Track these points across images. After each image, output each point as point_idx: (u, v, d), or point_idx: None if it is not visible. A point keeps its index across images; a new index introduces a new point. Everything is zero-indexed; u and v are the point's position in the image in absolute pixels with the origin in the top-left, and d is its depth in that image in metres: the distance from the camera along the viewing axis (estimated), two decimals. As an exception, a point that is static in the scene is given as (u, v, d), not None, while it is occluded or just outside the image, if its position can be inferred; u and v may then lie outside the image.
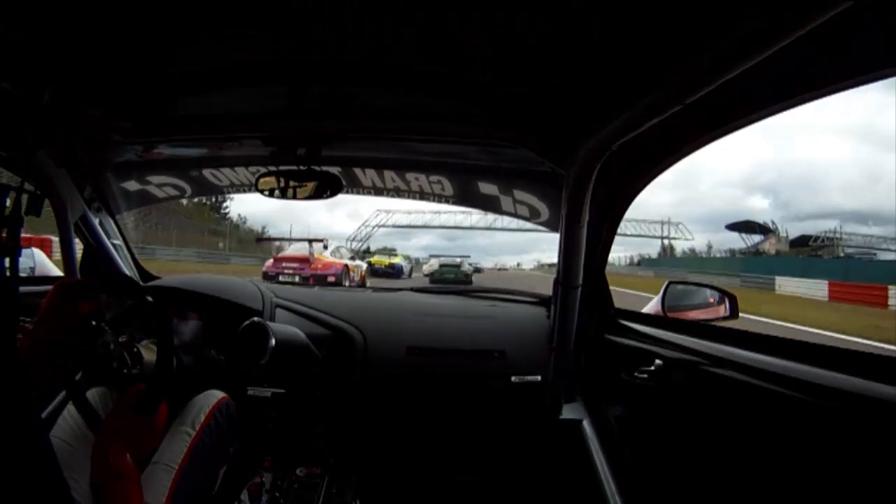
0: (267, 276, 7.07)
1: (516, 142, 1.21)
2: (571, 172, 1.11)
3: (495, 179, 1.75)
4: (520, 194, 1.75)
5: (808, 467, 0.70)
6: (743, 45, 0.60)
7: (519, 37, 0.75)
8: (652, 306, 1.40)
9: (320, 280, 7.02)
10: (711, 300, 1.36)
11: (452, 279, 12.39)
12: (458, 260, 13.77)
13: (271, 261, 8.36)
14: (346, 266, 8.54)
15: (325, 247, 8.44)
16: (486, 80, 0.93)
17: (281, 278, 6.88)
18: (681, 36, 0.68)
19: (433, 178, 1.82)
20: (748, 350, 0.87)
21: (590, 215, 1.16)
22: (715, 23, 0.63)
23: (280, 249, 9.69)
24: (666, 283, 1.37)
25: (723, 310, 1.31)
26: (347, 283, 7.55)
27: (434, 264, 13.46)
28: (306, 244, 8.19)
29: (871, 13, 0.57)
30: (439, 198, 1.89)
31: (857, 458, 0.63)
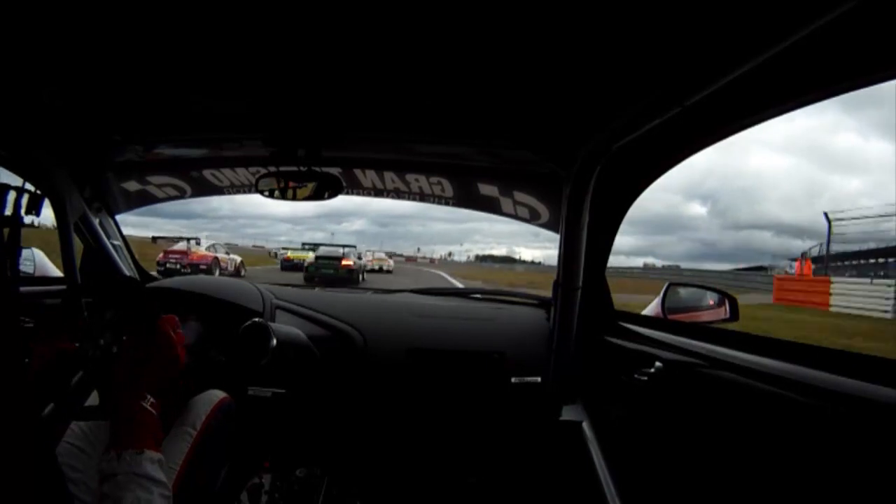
0: (159, 264, 9.16)
1: (517, 143, 1.21)
2: (572, 174, 1.11)
3: (495, 181, 1.75)
4: (520, 196, 1.75)
5: (808, 469, 0.70)
6: (742, 48, 0.60)
7: (519, 39, 0.75)
8: (652, 308, 1.40)
9: (195, 267, 9.41)
10: (711, 302, 1.36)
11: (332, 276, 10.58)
12: (341, 251, 11.56)
13: (162, 253, 10.37)
14: (216, 258, 10.69)
15: (198, 243, 10.86)
16: (486, 81, 0.93)
17: (168, 265, 9.25)
18: (681, 38, 0.68)
19: (433, 179, 1.82)
20: (748, 352, 0.86)
21: (590, 217, 1.16)
22: (715, 25, 0.63)
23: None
24: (666, 284, 1.37)
25: (723, 312, 1.31)
26: (218, 273, 9.74)
27: (311, 257, 11.52)
28: (185, 242, 10.87)
29: (871, 16, 0.57)
30: (439, 199, 1.89)
31: (856, 459, 0.63)
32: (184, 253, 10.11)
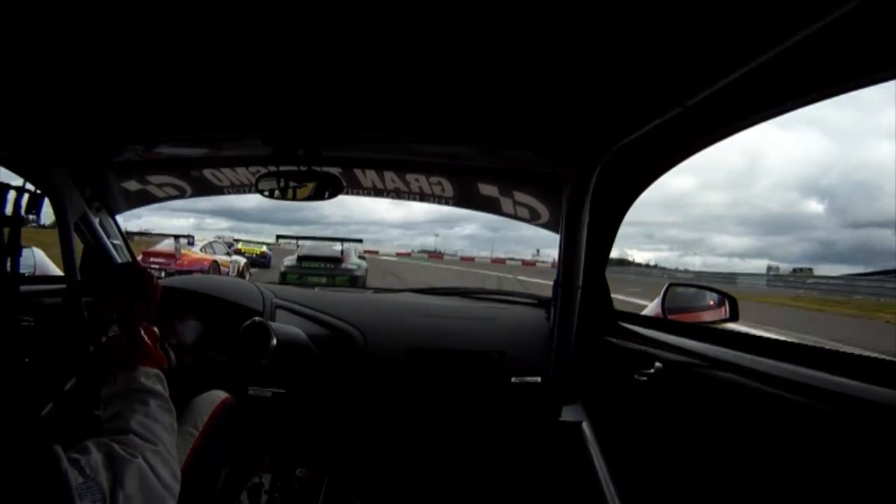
0: None
1: (517, 143, 1.21)
2: (572, 174, 1.11)
3: (496, 181, 1.75)
4: (520, 196, 1.75)
5: (807, 469, 0.70)
6: (743, 48, 0.60)
7: (519, 39, 0.75)
8: (652, 308, 1.40)
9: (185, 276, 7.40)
10: (711, 303, 1.36)
11: (326, 286, 6.24)
12: (339, 249, 8.06)
13: (140, 255, 7.55)
14: (216, 262, 8.36)
15: (191, 243, 8.46)
16: (486, 81, 0.93)
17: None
18: (681, 38, 0.68)
19: (433, 179, 1.82)
20: (748, 353, 0.86)
21: (590, 217, 1.16)
22: (715, 25, 0.63)
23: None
24: (666, 285, 1.37)
25: (723, 312, 1.31)
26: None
27: (291, 259, 8.20)
28: (173, 240, 8.22)
29: (871, 16, 0.57)
30: (439, 199, 1.89)
31: (856, 460, 0.63)
32: (169, 256, 7.86)
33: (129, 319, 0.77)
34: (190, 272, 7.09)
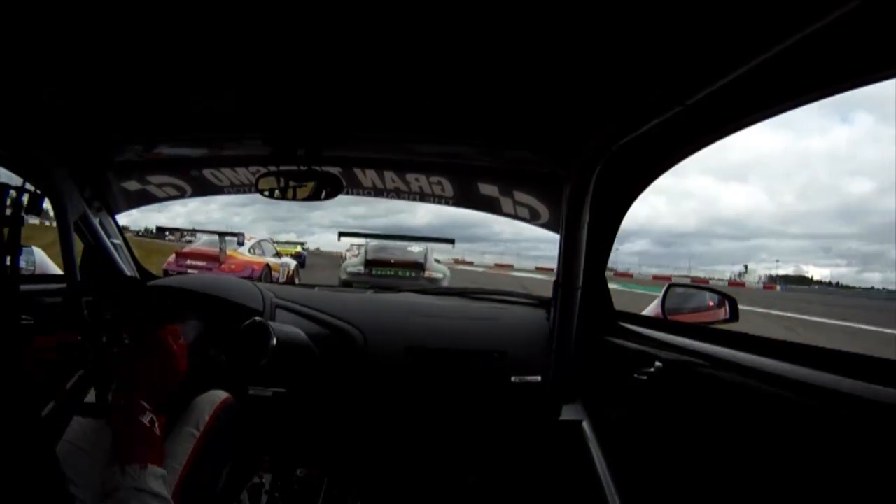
0: (167, 273, 5.29)
1: (517, 143, 1.21)
2: (572, 173, 1.11)
3: (496, 180, 1.75)
4: (520, 195, 1.75)
5: (807, 469, 0.70)
6: (743, 47, 0.60)
7: (519, 38, 0.75)
8: (652, 309, 1.40)
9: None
10: (711, 303, 1.36)
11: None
12: (416, 251, 6.70)
13: (173, 256, 6.81)
14: (268, 266, 7.04)
15: (241, 243, 7.08)
16: (486, 81, 0.93)
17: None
18: (682, 38, 0.68)
19: (433, 178, 1.82)
20: (748, 352, 0.87)
21: (590, 217, 1.16)
22: (715, 25, 0.63)
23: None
24: (666, 285, 1.37)
25: (723, 313, 1.31)
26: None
27: (355, 263, 6.63)
28: (217, 238, 6.81)
29: (871, 16, 0.57)
30: (439, 199, 1.89)
31: (857, 460, 0.63)
32: (211, 258, 6.44)
33: (139, 404, 0.73)
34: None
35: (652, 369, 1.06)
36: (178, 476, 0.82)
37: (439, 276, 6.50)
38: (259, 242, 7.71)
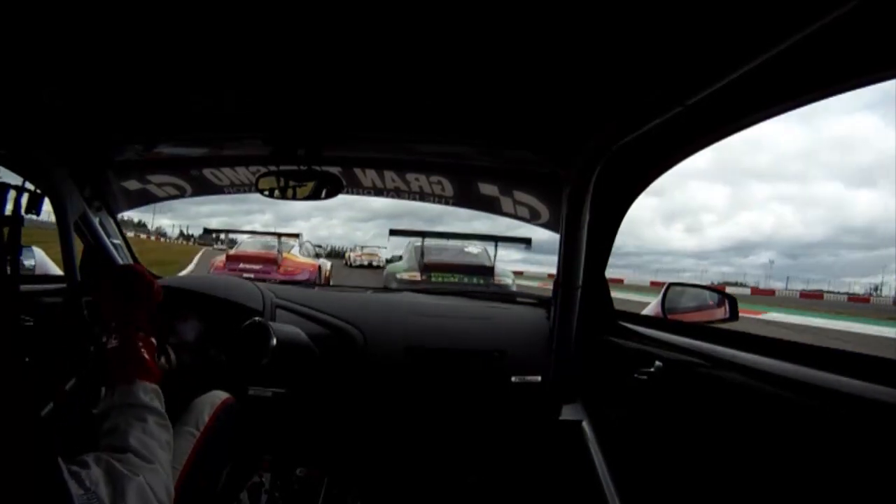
0: None
1: (517, 143, 1.21)
2: (572, 173, 1.11)
3: (496, 180, 1.75)
4: (520, 195, 1.75)
5: (807, 469, 0.70)
6: (743, 48, 0.60)
7: (519, 38, 0.75)
8: (652, 308, 1.40)
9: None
10: (711, 303, 1.36)
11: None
12: (476, 252, 5.92)
13: (222, 258, 6.25)
14: (319, 267, 6.80)
15: (300, 244, 6.69)
16: (486, 81, 0.93)
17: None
18: (682, 38, 0.68)
19: (433, 178, 1.82)
20: (748, 352, 0.87)
21: (590, 217, 1.16)
22: (715, 25, 0.63)
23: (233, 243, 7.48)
24: (666, 285, 1.37)
25: (722, 312, 1.31)
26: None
27: (404, 268, 5.73)
28: (272, 239, 6.27)
29: (871, 16, 0.57)
30: (439, 198, 1.89)
31: (857, 460, 0.63)
32: (269, 261, 5.83)
33: (127, 328, 0.77)
34: (294, 283, 5.51)
35: (652, 369, 1.06)
36: (178, 476, 0.82)
37: (508, 281, 5.50)
38: (305, 242, 7.29)
